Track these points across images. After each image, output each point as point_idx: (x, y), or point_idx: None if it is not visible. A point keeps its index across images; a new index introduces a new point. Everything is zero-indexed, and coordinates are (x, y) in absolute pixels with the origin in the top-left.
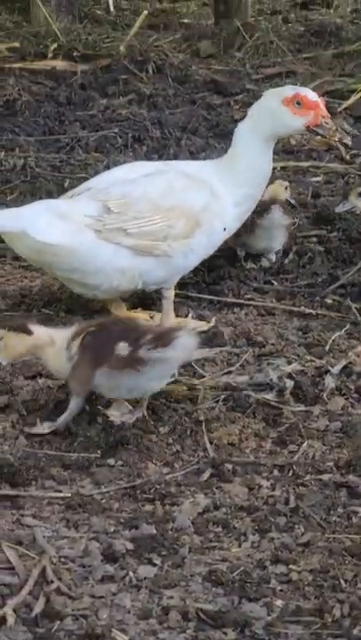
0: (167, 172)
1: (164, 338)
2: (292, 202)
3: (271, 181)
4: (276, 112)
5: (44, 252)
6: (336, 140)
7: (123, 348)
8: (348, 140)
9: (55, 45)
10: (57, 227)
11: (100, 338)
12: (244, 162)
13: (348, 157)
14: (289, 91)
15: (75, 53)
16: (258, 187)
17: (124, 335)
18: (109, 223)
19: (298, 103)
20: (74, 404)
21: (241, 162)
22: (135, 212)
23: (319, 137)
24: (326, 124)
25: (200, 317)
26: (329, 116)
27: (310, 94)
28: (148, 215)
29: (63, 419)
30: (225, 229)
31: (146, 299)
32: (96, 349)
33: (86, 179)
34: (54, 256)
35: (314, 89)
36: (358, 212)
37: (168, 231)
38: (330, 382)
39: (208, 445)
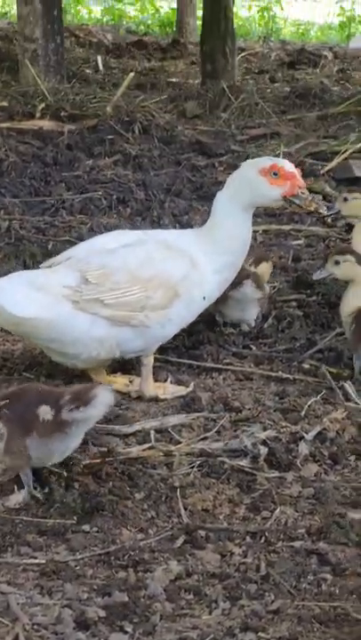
0: (147, 241)
1: (82, 397)
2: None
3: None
4: (254, 182)
5: (22, 325)
6: (312, 209)
7: (45, 412)
8: (323, 210)
9: (43, 105)
10: (34, 300)
11: (19, 407)
12: (224, 230)
13: (329, 221)
14: (266, 161)
15: (62, 113)
16: (238, 254)
17: (42, 399)
18: (86, 294)
19: (275, 174)
20: (25, 479)
21: (220, 230)
22: (113, 282)
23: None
24: (302, 194)
25: (179, 382)
26: (305, 185)
27: (287, 165)
28: (125, 286)
29: (22, 498)
30: (205, 298)
31: (125, 363)
32: (18, 419)
33: (70, 241)
34: (33, 328)
35: (298, 150)
36: (336, 279)
37: (146, 302)
38: (304, 449)
39: (182, 511)
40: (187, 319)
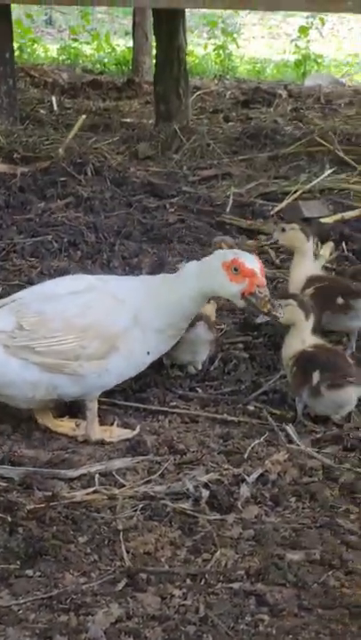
0: (94, 290)
1: None
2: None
3: None
4: (216, 273)
5: None
6: (265, 311)
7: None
8: (278, 313)
9: None
10: None
11: None
12: (178, 299)
13: (278, 262)
14: (230, 255)
15: (15, 155)
16: (183, 321)
17: None
18: (18, 340)
19: (235, 269)
20: None
21: (175, 295)
22: (47, 330)
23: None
24: (260, 293)
25: (125, 425)
26: (264, 284)
27: (248, 261)
28: (59, 334)
29: None
30: (149, 353)
31: (72, 405)
32: None
33: (19, 285)
34: None
35: (249, 191)
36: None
37: (81, 351)
38: (245, 491)
39: (125, 555)
40: (128, 372)
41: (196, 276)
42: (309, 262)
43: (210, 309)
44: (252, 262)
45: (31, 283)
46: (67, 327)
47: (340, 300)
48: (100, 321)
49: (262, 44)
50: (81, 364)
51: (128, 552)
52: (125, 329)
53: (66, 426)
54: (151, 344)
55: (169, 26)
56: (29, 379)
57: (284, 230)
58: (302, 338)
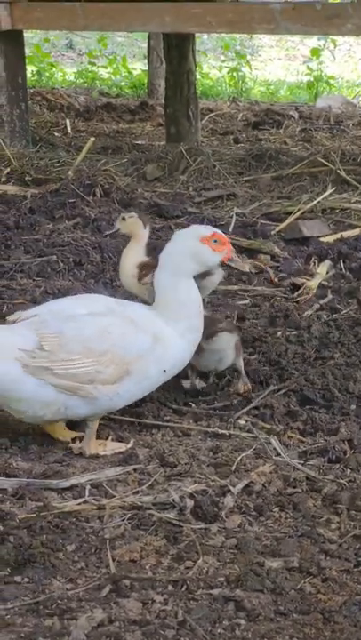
0: (113, 314)
1: None
2: None
3: None
4: (196, 250)
5: None
6: (247, 269)
7: None
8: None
9: (8, 170)
10: None
11: None
12: (176, 303)
13: (276, 280)
14: (205, 230)
15: (26, 177)
16: (195, 316)
17: None
18: (37, 361)
19: (215, 241)
20: None
21: (173, 304)
22: (66, 352)
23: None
24: (236, 257)
25: (120, 439)
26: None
27: (219, 232)
28: (77, 358)
29: None
30: (165, 371)
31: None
32: None
33: (24, 304)
34: None
35: (252, 211)
36: (121, 234)
37: (95, 375)
38: (229, 501)
39: (111, 562)
40: (139, 394)
41: (173, 274)
42: (141, 250)
43: None
44: (221, 232)
45: (35, 301)
46: (85, 351)
47: None
48: (118, 347)
49: (279, 65)
50: (95, 387)
51: (114, 560)
52: (140, 355)
53: (67, 435)
54: (175, 355)
55: (179, 49)
56: (44, 398)
57: (124, 219)
58: None
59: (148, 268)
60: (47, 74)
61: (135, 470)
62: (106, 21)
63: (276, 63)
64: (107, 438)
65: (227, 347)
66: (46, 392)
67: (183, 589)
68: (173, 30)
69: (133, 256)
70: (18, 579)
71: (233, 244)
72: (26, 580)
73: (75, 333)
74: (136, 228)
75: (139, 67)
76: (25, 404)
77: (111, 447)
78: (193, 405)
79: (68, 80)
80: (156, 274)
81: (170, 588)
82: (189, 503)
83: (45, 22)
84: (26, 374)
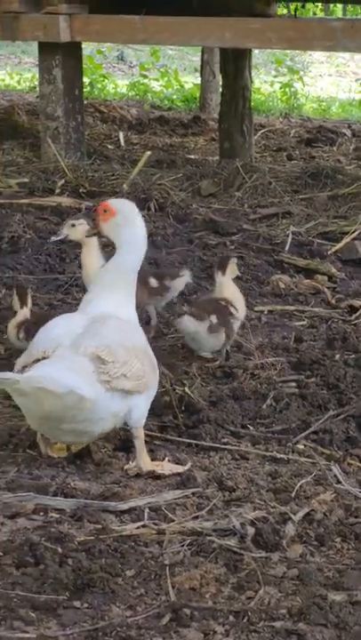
0: (108, 317)
1: None
2: None
3: None
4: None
5: (72, 408)
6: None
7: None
8: None
9: (62, 182)
10: (87, 383)
11: None
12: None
13: (333, 301)
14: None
15: (81, 190)
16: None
17: None
18: (113, 372)
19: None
20: None
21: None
22: (120, 357)
23: None
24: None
25: (177, 460)
26: None
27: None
28: (127, 358)
29: None
30: None
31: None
32: None
33: None
34: (78, 410)
35: (308, 230)
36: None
37: (143, 368)
38: (290, 530)
39: (170, 589)
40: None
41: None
42: (97, 252)
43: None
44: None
45: None
46: (125, 351)
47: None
48: (135, 340)
49: (329, 82)
50: (147, 379)
51: (174, 587)
52: (146, 343)
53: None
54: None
55: (235, 64)
56: (114, 409)
57: (73, 226)
58: None
59: None
60: (99, 85)
61: (193, 494)
62: (165, 35)
63: (326, 79)
64: (163, 459)
65: (192, 331)
66: (117, 401)
67: (245, 621)
68: (233, 45)
69: (95, 262)
70: (77, 604)
71: (289, 263)
72: (85, 605)
73: (108, 340)
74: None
75: (190, 80)
76: (101, 423)
77: (169, 468)
78: (251, 428)
79: (118, 93)
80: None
81: (231, 618)
82: (250, 531)
83: (104, 35)
84: (109, 391)
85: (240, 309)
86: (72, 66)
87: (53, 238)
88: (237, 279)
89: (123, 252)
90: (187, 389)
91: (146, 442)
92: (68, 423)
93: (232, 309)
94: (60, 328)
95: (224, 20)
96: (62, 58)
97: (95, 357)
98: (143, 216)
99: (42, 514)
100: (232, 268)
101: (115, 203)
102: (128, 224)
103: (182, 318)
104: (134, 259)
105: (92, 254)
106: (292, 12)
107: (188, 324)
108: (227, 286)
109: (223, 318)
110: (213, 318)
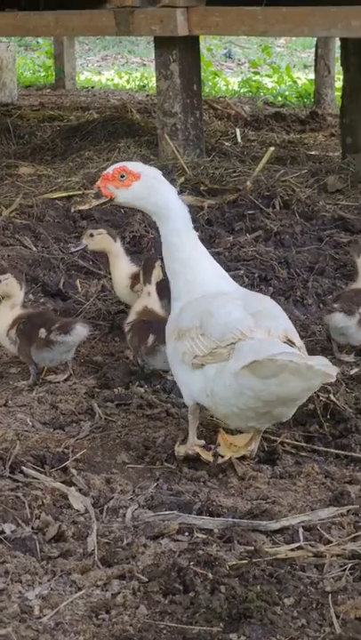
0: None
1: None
2: None
3: None
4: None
5: (310, 389)
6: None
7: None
8: None
9: (182, 179)
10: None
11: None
12: None
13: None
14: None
15: (202, 187)
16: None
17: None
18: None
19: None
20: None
21: None
22: (298, 339)
23: None
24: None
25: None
26: None
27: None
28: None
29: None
30: None
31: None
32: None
33: None
34: (310, 391)
35: None
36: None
37: None
38: None
39: (334, 620)
40: None
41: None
42: (124, 261)
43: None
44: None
45: None
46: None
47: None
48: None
49: None
50: None
51: (338, 617)
52: None
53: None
54: None
55: (357, 57)
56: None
57: (92, 236)
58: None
59: (138, 277)
60: (210, 83)
61: (348, 512)
62: (287, 26)
63: None
64: (312, 472)
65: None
66: None
67: None
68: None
69: (123, 269)
70: (233, 636)
71: None
72: (243, 637)
73: (285, 322)
74: (107, 244)
75: (301, 76)
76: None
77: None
78: None
79: (230, 90)
80: None
81: None
82: None
83: (223, 28)
84: None
85: None
86: (190, 61)
87: (73, 249)
88: None
89: (167, 224)
90: (331, 396)
91: (292, 453)
92: (290, 407)
93: None
94: (235, 311)
95: (351, 8)
96: (179, 52)
97: (287, 340)
98: (268, 214)
99: (187, 534)
100: None
101: (135, 165)
102: (161, 185)
103: (333, 315)
104: (183, 220)
105: (118, 264)
106: None
107: (340, 319)
108: None
109: None
110: None
